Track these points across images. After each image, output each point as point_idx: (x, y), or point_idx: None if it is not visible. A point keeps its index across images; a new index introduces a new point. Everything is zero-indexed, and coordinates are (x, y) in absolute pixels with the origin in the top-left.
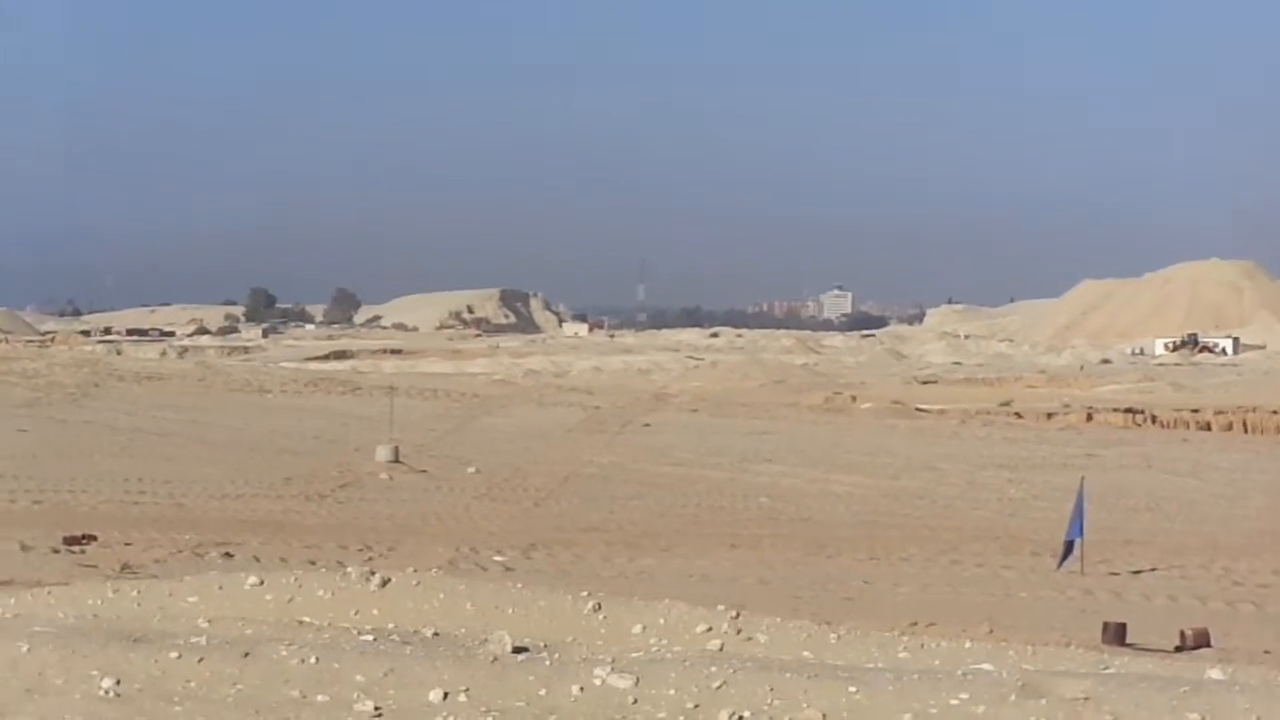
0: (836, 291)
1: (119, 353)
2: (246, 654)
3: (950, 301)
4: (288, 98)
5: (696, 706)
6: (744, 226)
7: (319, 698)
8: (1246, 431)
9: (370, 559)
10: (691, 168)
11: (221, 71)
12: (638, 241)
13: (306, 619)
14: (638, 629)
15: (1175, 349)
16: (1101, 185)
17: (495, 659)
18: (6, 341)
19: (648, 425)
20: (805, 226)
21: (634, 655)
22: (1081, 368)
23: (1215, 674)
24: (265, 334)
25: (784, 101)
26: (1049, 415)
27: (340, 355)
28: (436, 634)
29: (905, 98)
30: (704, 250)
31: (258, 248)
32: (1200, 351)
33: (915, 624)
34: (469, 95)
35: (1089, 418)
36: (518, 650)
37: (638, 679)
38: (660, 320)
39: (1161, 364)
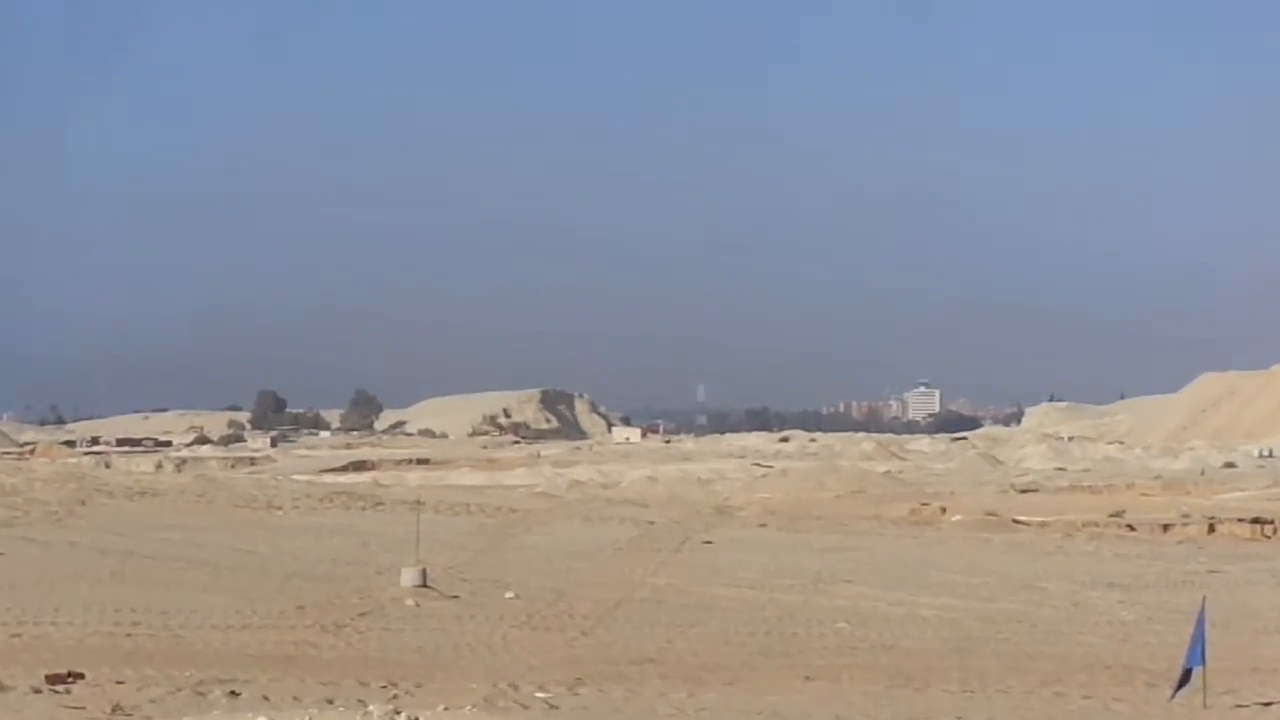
0: (922, 389)
1: (108, 465)
2: None
3: (1052, 399)
4: (297, 172)
5: None
6: (816, 317)
7: None
8: None
9: (395, 696)
10: (754, 252)
11: (222, 142)
12: (696, 336)
13: None
14: None
15: None
16: (1223, 267)
17: None
18: None
19: (709, 542)
20: (886, 315)
21: None
22: (1202, 472)
23: None
24: (274, 443)
25: (860, 169)
26: (1165, 527)
27: (360, 466)
28: None
29: (1000, 168)
30: (771, 344)
31: (266, 345)
32: None
33: None
34: (502, 171)
35: (1211, 529)
36: None
37: None
38: (722, 423)
39: None
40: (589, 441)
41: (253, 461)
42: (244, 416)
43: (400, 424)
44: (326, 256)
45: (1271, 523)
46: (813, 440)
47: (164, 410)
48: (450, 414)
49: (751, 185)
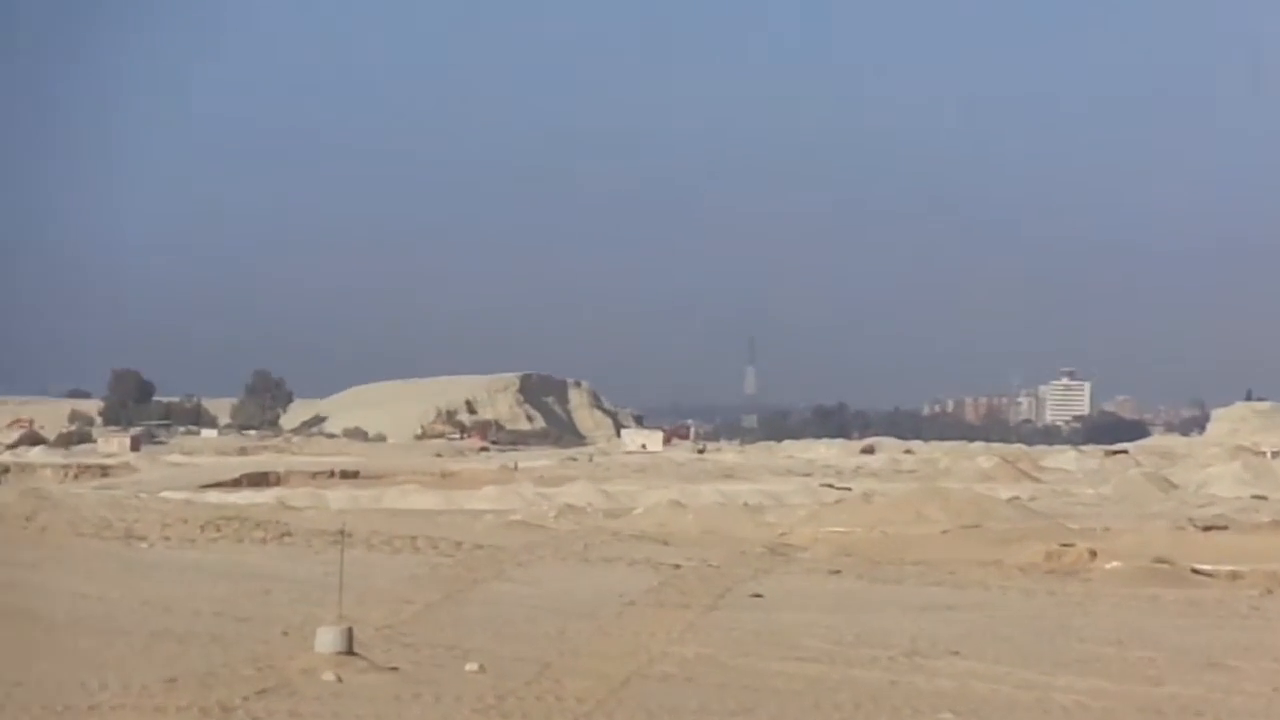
0: (1065, 381)
1: None
2: None
3: (1249, 397)
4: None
5: None
6: (914, 281)
7: None
8: None
9: None
10: (827, 187)
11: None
12: (745, 304)
13: None
14: None
15: None
16: None
17: None
18: None
19: (759, 596)
20: (1012, 279)
21: None
22: None
23: None
24: (136, 445)
25: (975, 88)
26: None
27: (259, 480)
28: None
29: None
30: (850, 317)
31: (125, 310)
32: None
33: None
34: (484, 84)
35: None
36: None
37: None
38: (780, 427)
39: None
40: (588, 449)
41: (105, 471)
42: (93, 406)
43: (317, 420)
44: (211, 190)
45: None
46: (908, 452)
47: None
48: (388, 407)
49: (822, 101)
